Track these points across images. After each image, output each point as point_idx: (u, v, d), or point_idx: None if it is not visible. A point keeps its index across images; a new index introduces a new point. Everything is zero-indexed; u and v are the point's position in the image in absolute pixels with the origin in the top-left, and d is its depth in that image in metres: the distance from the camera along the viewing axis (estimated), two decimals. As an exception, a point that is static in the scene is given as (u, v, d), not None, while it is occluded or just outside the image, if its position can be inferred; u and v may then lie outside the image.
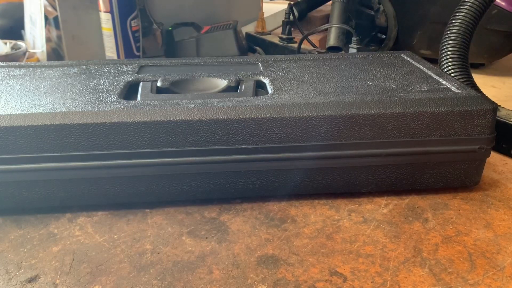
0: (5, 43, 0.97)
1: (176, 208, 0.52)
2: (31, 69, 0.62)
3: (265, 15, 1.26)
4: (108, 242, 0.46)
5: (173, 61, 0.67)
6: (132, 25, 0.93)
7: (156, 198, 0.52)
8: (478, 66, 1.09)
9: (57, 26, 0.99)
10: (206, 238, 0.47)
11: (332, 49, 1.00)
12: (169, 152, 0.48)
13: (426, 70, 0.61)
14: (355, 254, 0.44)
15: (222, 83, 0.57)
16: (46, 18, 0.98)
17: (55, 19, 0.99)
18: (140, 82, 0.57)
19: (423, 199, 0.54)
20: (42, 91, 0.54)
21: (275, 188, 0.52)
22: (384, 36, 1.12)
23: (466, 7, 0.68)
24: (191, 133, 0.48)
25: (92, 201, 0.51)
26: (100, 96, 0.52)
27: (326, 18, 1.23)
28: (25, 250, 0.45)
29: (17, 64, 0.65)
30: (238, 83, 0.57)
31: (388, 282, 0.41)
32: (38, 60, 0.97)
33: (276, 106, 0.49)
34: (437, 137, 0.51)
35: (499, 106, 0.67)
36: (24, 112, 0.47)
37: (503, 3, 0.94)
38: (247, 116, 0.48)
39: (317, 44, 1.08)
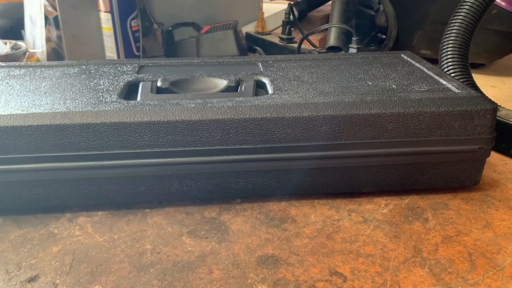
0: (5, 43, 0.97)
1: (176, 208, 0.52)
2: (31, 69, 0.62)
3: (265, 15, 1.26)
4: (108, 242, 0.46)
5: (173, 61, 0.67)
6: (132, 25, 0.93)
7: (156, 198, 0.52)
8: (478, 66, 1.09)
9: (57, 26, 0.99)
10: (206, 238, 0.47)
11: (332, 49, 1.00)
12: (169, 152, 0.48)
13: (426, 70, 0.61)
14: (355, 254, 0.44)
15: (222, 83, 0.57)
16: (46, 18, 0.98)
17: (55, 19, 0.99)
18: (140, 82, 0.57)
19: (423, 199, 0.54)
20: (42, 91, 0.54)
21: (275, 188, 0.52)
22: (384, 36, 1.12)
23: (466, 7, 0.68)
24: (191, 133, 0.48)
25: (92, 201, 0.51)
26: (100, 96, 0.52)
27: (326, 18, 1.23)
28: (25, 250, 0.45)
29: (17, 64, 0.65)
30: (238, 83, 0.57)
31: (388, 282, 0.41)
32: (38, 60, 0.97)
33: (276, 106, 0.49)
34: (437, 137, 0.51)
35: (499, 106, 0.67)
36: (24, 112, 0.47)
37: (503, 3, 0.94)
38: (247, 116, 0.48)
39: (317, 44, 1.08)
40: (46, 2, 0.98)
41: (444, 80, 0.57)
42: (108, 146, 0.47)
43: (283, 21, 1.13)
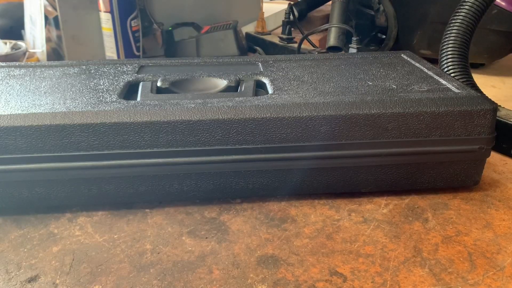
0: (5, 43, 0.97)
1: (176, 208, 0.52)
2: (31, 69, 0.62)
3: (265, 15, 1.26)
4: (108, 242, 0.46)
5: (173, 61, 0.66)
6: (132, 25, 0.93)
7: (156, 198, 0.52)
8: (478, 66, 1.09)
9: (57, 26, 0.99)
10: (206, 238, 0.47)
11: (332, 49, 1.00)
12: (169, 152, 0.48)
13: (426, 70, 0.61)
14: (355, 254, 0.44)
15: (222, 83, 0.57)
16: (46, 18, 0.98)
17: (55, 19, 0.99)
18: (140, 82, 0.57)
19: (423, 199, 0.54)
20: (42, 91, 0.54)
21: (275, 188, 0.52)
22: (384, 36, 1.12)
23: (466, 7, 0.68)
24: (191, 133, 0.48)
25: (92, 201, 0.51)
26: (100, 96, 0.52)
27: (326, 18, 1.23)
28: (25, 250, 0.45)
29: (17, 64, 0.65)
30: (238, 83, 0.57)
31: (388, 282, 0.41)
32: (38, 60, 0.97)
33: (276, 106, 0.49)
34: (437, 137, 0.51)
35: (499, 106, 0.67)
36: (24, 112, 0.47)
37: (503, 3, 0.94)
38: (247, 116, 0.48)
39: (317, 44, 1.08)
40: (46, 2, 0.98)
41: (444, 80, 0.57)
42: (108, 146, 0.47)
43: (283, 21, 1.13)
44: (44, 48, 0.96)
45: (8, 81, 0.57)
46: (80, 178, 0.49)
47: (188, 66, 0.65)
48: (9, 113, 0.47)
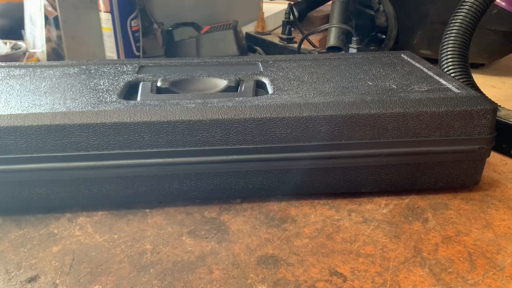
0: (5, 43, 0.97)
1: (176, 208, 0.52)
2: (31, 69, 0.62)
3: (265, 15, 1.26)
4: (108, 242, 0.46)
5: (173, 61, 0.66)
6: (132, 25, 0.93)
7: (156, 198, 0.52)
8: (478, 66, 1.09)
9: (57, 26, 0.99)
10: (206, 238, 0.47)
11: (332, 49, 1.00)
12: (169, 152, 0.48)
13: (426, 70, 0.61)
14: (355, 254, 0.44)
15: (222, 83, 0.57)
16: (46, 18, 0.98)
17: (55, 19, 0.99)
18: (140, 82, 0.57)
19: (423, 199, 0.54)
20: (42, 91, 0.54)
21: (275, 188, 0.52)
22: (384, 36, 1.12)
23: (466, 7, 0.68)
24: (191, 133, 0.48)
25: (92, 201, 0.51)
26: (100, 96, 0.52)
27: (326, 18, 1.23)
28: (25, 250, 0.45)
29: (17, 64, 0.65)
30: (238, 83, 0.57)
31: (388, 282, 0.41)
32: (38, 60, 0.97)
33: (276, 106, 0.49)
34: (437, 137, 0.51)
35: (499, 106, 0.67)
36: (24, 112, 0.47)
37: (503, 3, 0.94)
38: (247, 116, 0.48)
39: (317, 44, 1.08)
40: (46, 2, 0.98)
41: (444, 80, 0.57)
42: (108, 146, 0.47)
43: (283, 21, 1.13)
44: (44, 48, 0.96)
45: (8, 81, 0.57)
46: (80, 178, 0.49)
47: (188, 66, 0.65)
48: (9, 113, 0.47)
